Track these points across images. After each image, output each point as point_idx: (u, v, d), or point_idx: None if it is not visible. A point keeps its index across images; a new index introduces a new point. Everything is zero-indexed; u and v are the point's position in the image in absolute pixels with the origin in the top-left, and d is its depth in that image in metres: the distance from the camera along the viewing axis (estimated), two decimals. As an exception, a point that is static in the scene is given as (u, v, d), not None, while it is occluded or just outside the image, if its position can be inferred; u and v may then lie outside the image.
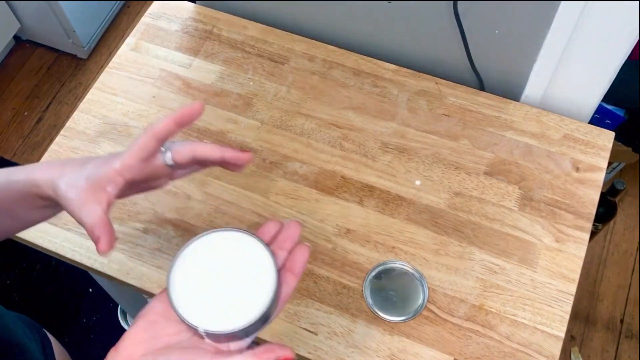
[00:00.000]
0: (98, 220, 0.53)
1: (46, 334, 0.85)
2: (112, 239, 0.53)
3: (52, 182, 0.55)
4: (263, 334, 0.82)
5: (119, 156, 0.56)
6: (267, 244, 0.52)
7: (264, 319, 0.50)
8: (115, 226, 0.90)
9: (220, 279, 0.51)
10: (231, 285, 0.50)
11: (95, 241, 0.52)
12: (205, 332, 0.48)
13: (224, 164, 0.59)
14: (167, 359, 0.48)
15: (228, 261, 0.52)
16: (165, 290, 0.50)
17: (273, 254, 0.52)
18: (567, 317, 0.83)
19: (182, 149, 0.57)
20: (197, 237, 0.53)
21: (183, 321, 0.49)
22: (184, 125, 0.57)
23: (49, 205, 0.59)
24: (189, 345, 0.49)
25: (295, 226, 0.56)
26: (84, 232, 0.90)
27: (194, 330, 0.49)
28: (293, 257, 0.54)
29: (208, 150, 0.57)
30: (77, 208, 0.53)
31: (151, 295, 0.85)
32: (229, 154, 0.57)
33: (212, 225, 0.90)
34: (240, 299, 0.50)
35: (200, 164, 0.60)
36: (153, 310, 0.51)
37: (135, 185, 0.58)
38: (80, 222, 0.54)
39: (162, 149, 0.57)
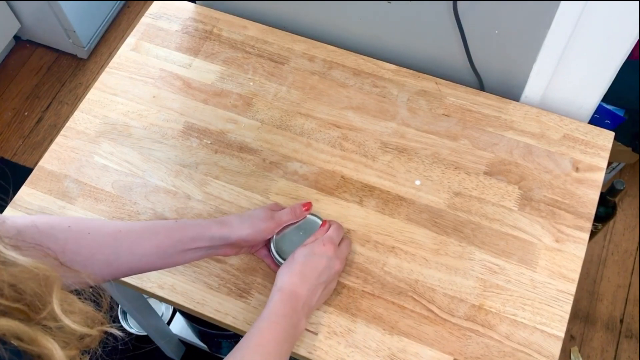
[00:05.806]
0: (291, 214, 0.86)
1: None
2: (301, 205, 0.87)
3: (250, 238, 0.82)
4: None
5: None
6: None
7: None
8: (116, 226, 0.90)
9: None
10: None
11: (303, 208, 0.87)
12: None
13: None
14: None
15: None
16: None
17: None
18: (567, 316, 0.83)
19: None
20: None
21: None
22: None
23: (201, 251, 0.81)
24: None
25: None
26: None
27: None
28: None
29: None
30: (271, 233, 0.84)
31: (152, 295, 0.86)
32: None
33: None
34: None
35: None
36: None
37: None
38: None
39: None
